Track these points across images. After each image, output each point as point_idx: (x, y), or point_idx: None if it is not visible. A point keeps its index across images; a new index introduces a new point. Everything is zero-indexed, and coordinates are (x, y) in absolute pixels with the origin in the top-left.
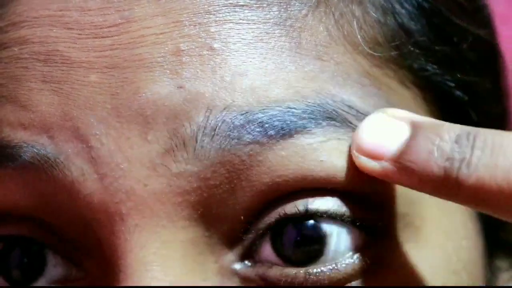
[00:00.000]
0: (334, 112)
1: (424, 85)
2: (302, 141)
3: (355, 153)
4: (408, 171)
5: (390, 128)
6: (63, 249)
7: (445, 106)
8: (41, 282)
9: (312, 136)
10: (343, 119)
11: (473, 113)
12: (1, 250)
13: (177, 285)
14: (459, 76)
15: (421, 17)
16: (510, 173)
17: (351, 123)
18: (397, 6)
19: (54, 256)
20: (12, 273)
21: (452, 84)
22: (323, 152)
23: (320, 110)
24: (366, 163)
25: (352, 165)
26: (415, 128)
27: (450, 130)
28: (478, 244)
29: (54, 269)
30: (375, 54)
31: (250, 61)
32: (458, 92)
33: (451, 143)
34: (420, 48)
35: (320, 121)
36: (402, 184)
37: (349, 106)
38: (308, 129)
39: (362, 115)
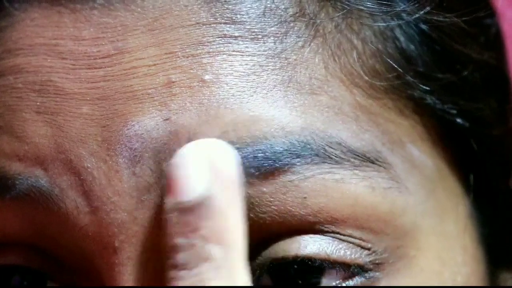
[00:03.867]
0: (320, 149)
1: (425, 112)
2: (283, 178)
3: None
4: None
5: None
6: (62, 277)
7: (446, 132)
8: None
9: (294, 173)
10: (329, 156)
11: (473, 141)
12: None
13: None
14: (461, 102)
15: (422, 45)
16: None
17: (339, 158)
18: (398, 33)
19: (51, 284)
20: None
21: (454, 111)
22: (305, 189)
23: (304, 147)
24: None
25: (337, 201)
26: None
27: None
28: (477, 270)
29: None
30: (375, 83)
31: (239, 95)
32: (459, 119)
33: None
34: (421, 77)
35: (303, 158)
36: None
37: (338, 143)
38: (289, 166)
39: (351, 151)
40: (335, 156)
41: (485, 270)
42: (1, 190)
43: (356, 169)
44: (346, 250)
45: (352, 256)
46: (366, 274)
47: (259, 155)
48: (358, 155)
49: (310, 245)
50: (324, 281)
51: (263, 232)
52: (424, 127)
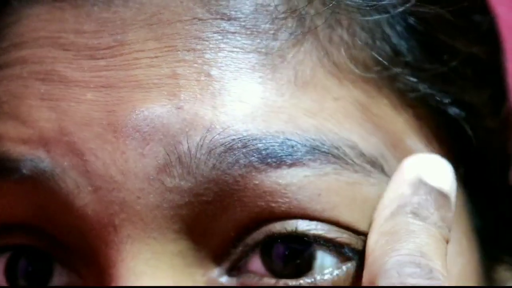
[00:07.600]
0: (334, 150)
1: (418, 105)
2: (299, 172)
3: None
4: None
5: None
6: (65, 258)
7: (441, 123)
8: None
9: (311, 168)
10: (342, 157)
11: (468, 129)
12: (7, 259)
13: None
14: (453, 92)
15: (411, 37)
16: None
17: (352, 161)
18: (386, 27)
19: (57, 265)
20: (19, 282)
21: (447, 101)
22: (320, 186)
23: (319, 145)
24: None
25: (349, 203)
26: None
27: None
28: (472, 260)
29: (60, 277)
30: (366, 76)
31: (251, 90)
32: (453, 109)
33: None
34: (411, 68)
35: (318, 156)
36: None
37: (351, 147)
38: (307, 160)
39: (363, 156)
40: (348, 159)
41: (479, 261)
42: (5, 173)
43: (367, 175)
44: (343, 233)
45: (347, 240)
46: (359, 261)
47: (277, 148)
48: (369, 161)
49: (307, 225)
50: (319, 256)
51: (266, 216)
52: (419, 120)
